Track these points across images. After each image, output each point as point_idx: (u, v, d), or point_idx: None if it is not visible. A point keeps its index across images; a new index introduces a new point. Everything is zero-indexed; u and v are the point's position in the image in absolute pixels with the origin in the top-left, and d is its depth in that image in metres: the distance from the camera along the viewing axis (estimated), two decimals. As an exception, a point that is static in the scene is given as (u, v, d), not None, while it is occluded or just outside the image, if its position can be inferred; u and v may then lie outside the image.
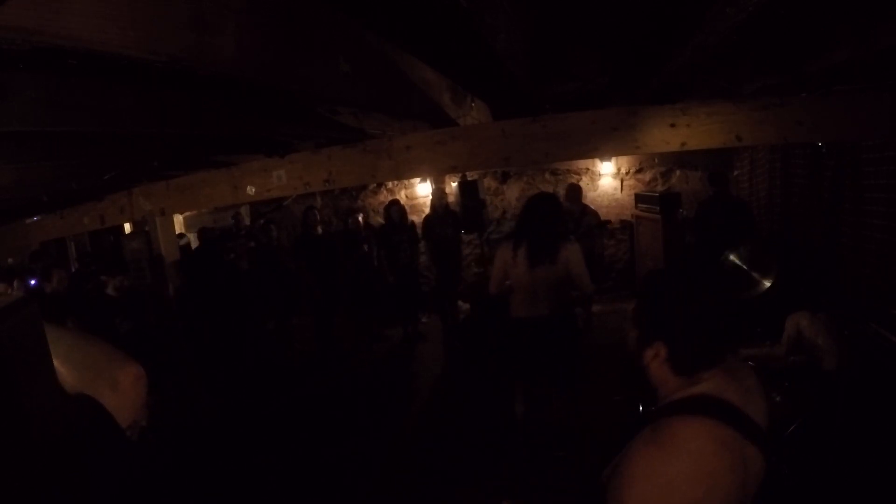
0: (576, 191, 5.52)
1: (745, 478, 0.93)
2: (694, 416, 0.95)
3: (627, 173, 6.63)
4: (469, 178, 5.19)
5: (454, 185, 6.45)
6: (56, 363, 0.80)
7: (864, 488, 2.13)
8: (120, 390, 0.84)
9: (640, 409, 2.73)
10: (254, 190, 3.64)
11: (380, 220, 6.40)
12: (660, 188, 6.46)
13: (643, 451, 0.95)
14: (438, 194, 5.92)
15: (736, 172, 5.99)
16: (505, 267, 3.05)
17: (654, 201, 5.82)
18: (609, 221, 5.64)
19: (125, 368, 0.88)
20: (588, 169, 6.68)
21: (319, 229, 5.68)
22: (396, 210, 5.69)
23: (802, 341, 2.56)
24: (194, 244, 6.27)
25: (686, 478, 0.89)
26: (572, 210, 5.20)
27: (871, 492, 2.11)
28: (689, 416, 0.96)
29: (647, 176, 6.60)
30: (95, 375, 0.84)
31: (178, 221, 6.95)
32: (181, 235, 6.00)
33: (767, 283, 3.27)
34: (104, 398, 0.80)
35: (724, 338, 1.04)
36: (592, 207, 5.78)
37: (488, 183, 6.82)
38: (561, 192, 6.42)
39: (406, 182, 6.96)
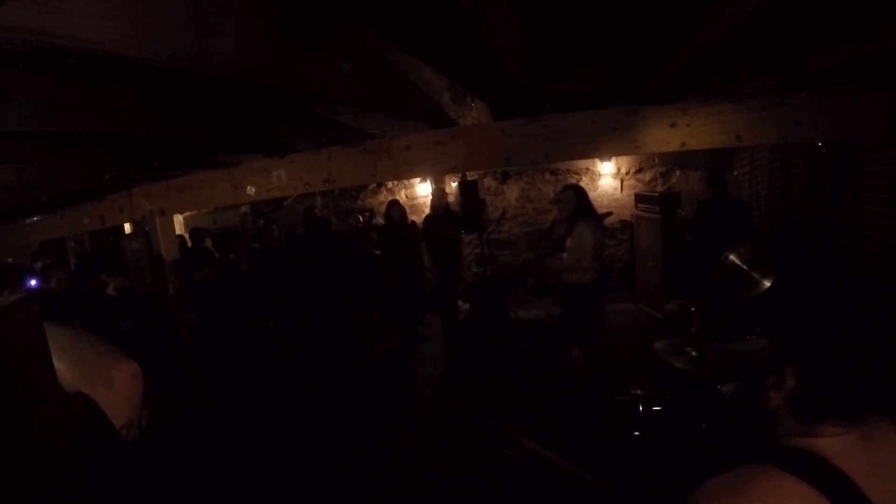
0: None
1: None
2: (790, 474, 0.79)
3: (627, 173, 6.63)
4: (469, 178, 5.19)
5: (454, 185, 6.44)
6: (54, 361, 0.80)
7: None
8: (115, 388, 0.84)
9: (640, 409, 2.74)
10: (254, 190, 3.64)
11: (380, 220, 6.40)
12: (660, 188, 6.46)
13: (716, 492, 0.82)
14: (438, 194, 5.92)
15: (736, 172, 5.99)
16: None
17: (654, 201, 5.82)
18: (610, 213, 5.59)
19: (120, 366, 0.87)
20: (588, 169, 6.68)
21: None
22: (397, 210, 5.69)
23: None
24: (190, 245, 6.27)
25: None
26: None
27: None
28: (784, 472, 0.80)
29: (647, 176, 6.60)
30: (91, 373, 0.83)
31: (178, 221, 6.95)
32: (180, 236, 6.00)
33: (767, 283, 3.26)
34: (99, 396, 0.80)
35: (869, 392, 0.81)
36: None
37: (488, 183, 6.82)
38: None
39: (406, 182, 6.96)
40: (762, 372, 0.87)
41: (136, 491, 0.79)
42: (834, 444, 0.81)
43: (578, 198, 3.82)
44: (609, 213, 5.46)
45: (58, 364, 0.80)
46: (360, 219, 5.87)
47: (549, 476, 3.10)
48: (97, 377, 0.83)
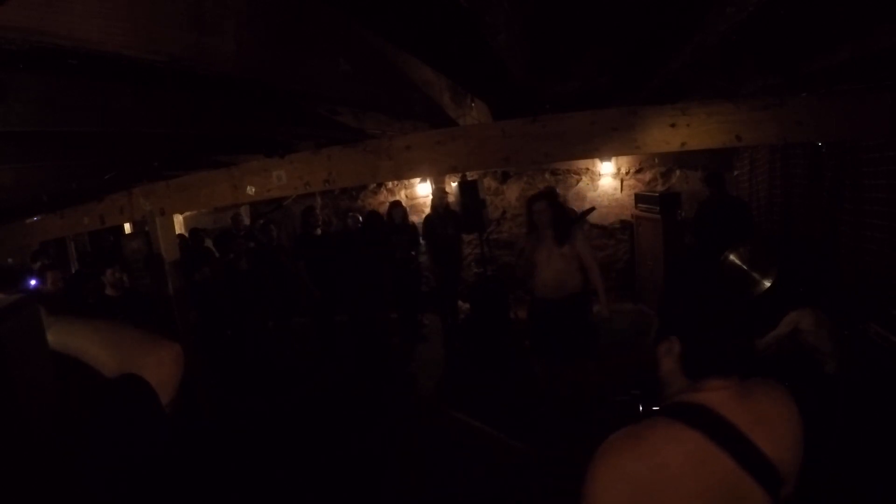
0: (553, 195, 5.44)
1: (718, 494, 0.90)
2: (679, 422, 0.94)
3: (627, 173, 6.63)
4: (469, 178, 5.19)
5: (454, 185, 6.45)
6: (94, 350, 0.84)
7: (864, 488, 2.13)
8: (165, 366, 0.87)
9: (640, 409, 2.74)
10: (254, 190, 3.64)
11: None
12: (660, 188, 6.46)
13: (618, 440, 0.95)
14: (438, 194, 5.92)
15: (736, 172, 5.99)
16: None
17: (654, 201, 5.82)
18: (593, 208, 5.49)
19: (169, 346, 0.91)
20: (588, 169, 6.68)
21: (319, 230, 5.67)
22: (398, 211, 5.69)
23: (800, 340, 2.55)
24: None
25: (645, 479, 0.89)
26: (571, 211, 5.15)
27: (871, 492, 2.11)
28: (675, 420, 0.95)
29: (647, 176, 6.60)
30: (141, 355, 0.86)
31: (178, 221, 6.95)
32: (180, 236, 6.01)
33: (767, 283, 3.26)
34: (150, 375, 0.83)
35: (738, 351, 0.99)
36: (573, 208, 5.72)
37: (488, 183, 6.82)
38: (562, 191, 6.43)
39: (406, 182, 6.96)
40: (654, 343, 1.06)
41: (174, 469, 0.83)
42: (718, 398, 0.96)
43: (553, 206, 3.71)
44: (592, 209, 5.43)
45: (103, 352, 0.84)
46: (360, 219, 5.87)
47: (541, 477, 3.10)
48: (147, 358, 0.86)
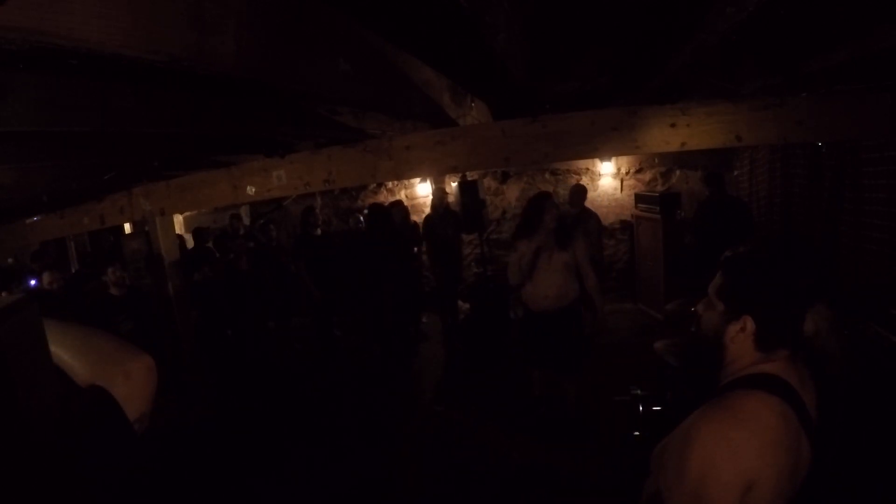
0: (579, 193, 5.31)
1: (797, 461, 0.99)
2: (764, 390, 1.00)
3: (627, 173, 6.63)
4: (469, 178, 5.18)
5: (454, 185, 6.45)
6: (67, 356, 0.82)
7: (864, 488, 2.13)
8: (132, 380, 0.85)
9: (640, 409, 2.73)
10: (254, 190, 3.64)
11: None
12: (660, 188, 6.46)
13: (711, 415, 0.99)
14: (438, 194, 5.92)
15: (736, 172, 6.00)
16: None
17: (654, 201, 5.82)
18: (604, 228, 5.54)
19: (138, 359, 0.89)
20: (588, 169, 6.68)
21: (319, 231, 5.67)
22: (399, 211, 5.68)
23: (816, 340, 2.54)
24: (190, 245, 6.27)
25: (752, 445, 0.93)
26: (569, 212, 5.11)
27: (871, 492, 2.11)
28: (759, 390, 1.00)
29: (647, 176, 6.60)
30: (109, 366, 0.85)
31: (178, 221, 6.95)
32: (179, 235, 6.00)
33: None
34: (116, 388, 0.81)
35: (803, 322, 1.07)
36: (592, 209, 5.72)
37: (488, 183, 6.82)
38: (562, 191, 6.42)
39: (406, 182, 6.96)
40: (722, 327, 1.09)
41: (147, 484, 0.80)
42: (779, 366, 1.04)
43: (558, 207, 3.50)
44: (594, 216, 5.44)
45: (75, 359, 0.82)
46: (361, 219, 5.87)
47: (535, 481, 3.09)
48: (115, 370, 0.84)
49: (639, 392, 2.82)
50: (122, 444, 0.79)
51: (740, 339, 1.06)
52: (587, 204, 5.46)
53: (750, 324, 1.04)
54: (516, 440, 3.55)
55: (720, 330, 1.09)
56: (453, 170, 3.77)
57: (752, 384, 1.02)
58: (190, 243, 6.33)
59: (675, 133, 3.06)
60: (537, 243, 3.41)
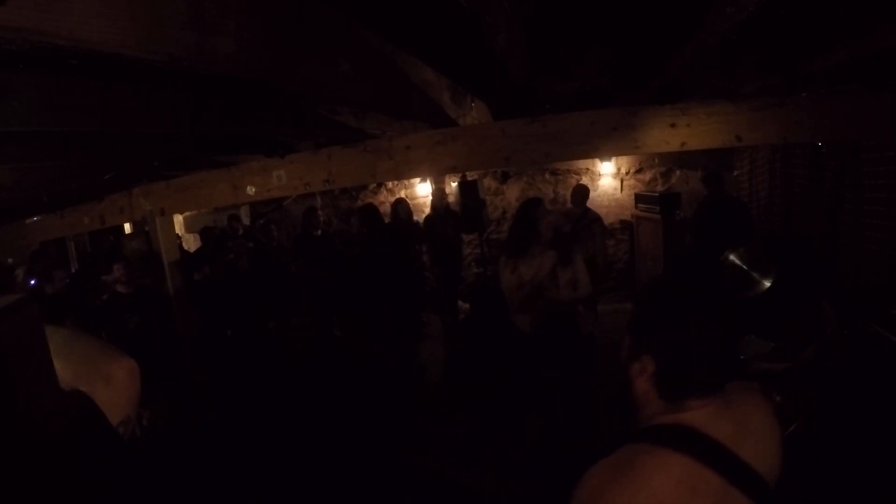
0: (582, 193, 5.20)
1: None
2: (665, 448, 0.85)
3: (627, 173, 6.63)
4: (469, 178, 5.18)
5: (454, 185, 6.45)
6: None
7: (864, 488, 2.13)
8: (113, 384, 0.84)
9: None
10: (254, 190, 3.64)
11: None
12: (660, 188, 6.46)
13: (598, 475, 0.87)
14: (438, 194, 5.92)
15: (736, 172, 5.99)
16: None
17: (654, 201, 5.82)
18: (598, 217, 5.48)
19: (119, 362, 0.87)
20: (588, 169, 6.68)
21: (319, 231, 5.67)
22: (403, 209, 5.68)
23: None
24: (189, 245, 6.26)
25: None
26: (573, 212, 5.08)
27: (871, 492, 2.11)
28: (660, 447, 0.86)
29: (647, 176, 6.60)
30: (90, 370, 0.84)
31: (178, 221, 6.95)
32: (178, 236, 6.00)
33: (767, 283, 3.26)
34: (97, 393, 0.80)
35: (722, 365, 0.90)
36: (594, 210, 5.69)
37: (488, 183, 6.82)
38: (562, 191, 6.41)
39: (406, 182, 6.96)
40: (627, 363, 0.95)
41: (135, 488, 0.79)
42: (700, 416, 0.87)
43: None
44: (598, 217, 5.41)
45: (57, 362, 0.80)
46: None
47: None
48: (96, 374, 0.83)
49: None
50: (105, 449, 0.78)
51: (643, 380, 0.91)
52: (588, 204, 5.45)
53: (650, 365, 0.90)
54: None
55: (626, 366, 0.95)
56: (453, 170, 3.77)
57: (656, 438, 0.87)
58: (190, 243, 6.33)
59: (675, 133, 3.06)
60: (538, 262, 2.91)
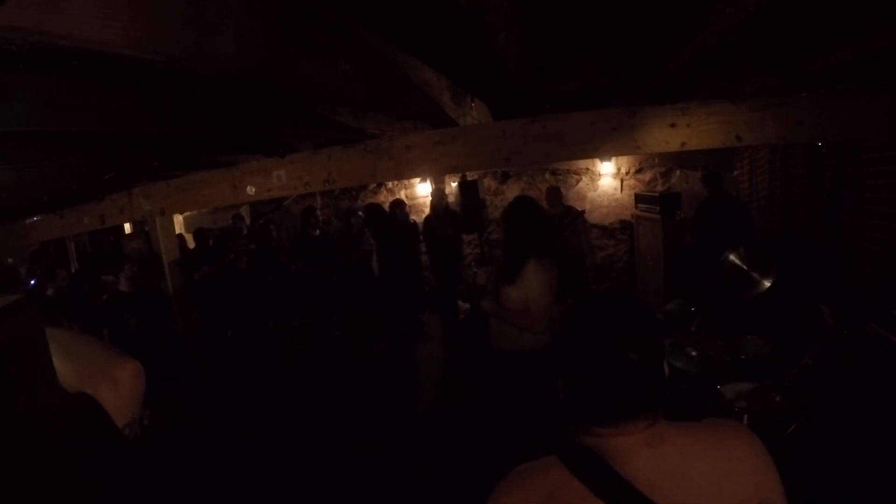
0: (555, 193, 5.34)
1: None
2: (566, 470, 0.83)
3: (627, 173, 6.63)
4: (469, 178, 5.18)
5: (454, 185, 6.45)
6: (54, 362, 0.80)
7: (864, 488, 2.13)
8: (119, 386, 0.84)
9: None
10: (254, 190, 3.65)
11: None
12: (660, 188, 6.46)
13: (512, 475, 0.89)
14: (438, 194, 5.92)
15: (736, 172, 5.99)
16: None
17: (654, 201, 5.81)
18: (583, 211, 5.51)
19: (125, 364, 0.87)
20: (588, 169, 6.68)
21: (318, 231, 5.67)
22: (401, 210, 5.69)
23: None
24: (191, 244, 6.26)
25: None
26: (553, 213, 5.04)
27: (871, 491, 2.11)
28: (563, 466, 0.84)
29: (647, 176, 6.60)
30: (95, 372, 0.84)
31: (178, 221, 6.95)
32: (179, 235, 6.00)
33: (767, 283, 3.27)
34: (102, 395, 0.80)
35: (623, 398, 0.83)
36: (577, 207, 5.70)
37: (488, 183, 6.82)
38: (563, 191, 6.42)
39: (406, 182, 6.97)
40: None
41: (137, 489, 0.80)
42: (615, 445, 0.83)
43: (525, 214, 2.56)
44: (582, 211, 5.43)
45: (60, 365, 0.80)
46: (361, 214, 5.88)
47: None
48: (102, 376, 0.83)
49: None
50: (111, 451, 0.78)
51: (560, 402, 0.90)
52: (587, 204, 5.46)
53: (560, 391, 0.89)
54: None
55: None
56: (453, 170, 3.77)
57: (564, 456, 0.85)
58: (191, 243, 6.33)
59: (675, 133, 3.06)
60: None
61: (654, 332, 0.87)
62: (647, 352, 0.83)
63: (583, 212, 5.45)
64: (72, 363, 0.83)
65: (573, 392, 0.86)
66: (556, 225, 4.72)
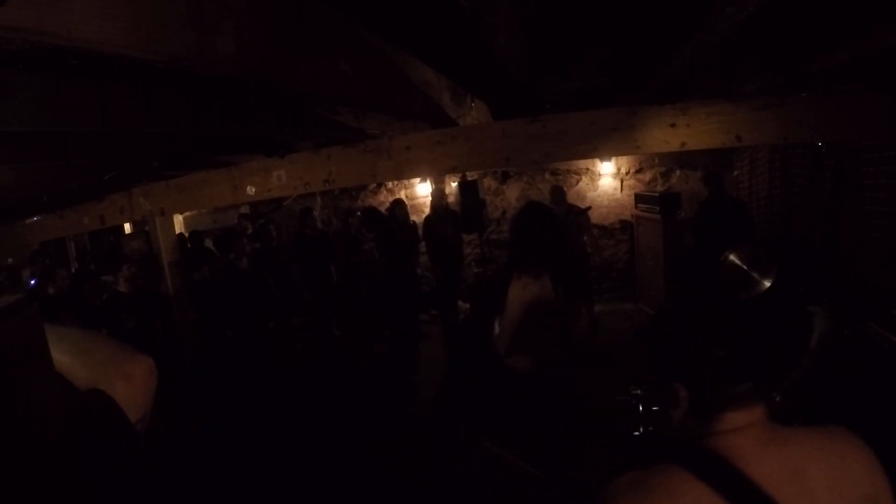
0: (559, 192, 5.51)
1: None
2: (689, 473, 0.82)
3: (627, 173, 6.63)
4: (469, 178, 5.19)
5: (454, 185, 6.44)
6: (66, 360, 0.80)
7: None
8: (133, 382, 0.85)
9: (640, 409, 2.73)
10: (254, 190, 3.65)
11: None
12: (660, 188, 6.46)
13: (622, 491, 0.87)
14: (438, 194, 5.92)
15: (736, 172, 5.99)
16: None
17: (654, 201, 5.82)
18: (589, 207, 5.61)
19: (138, 360, 0.88)
20: (588, 169, 6.68)
21: (315, 231, 5.67)
22: (401, 209, 5.68)
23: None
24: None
25: None
26: (558, 212, 5.13)
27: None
28: (684, 470, 0.83)
29: (647, 176, 6.60)
30: (109, 369, 0.84)
31: (178, 221, 6.94)
32: (179, 234, 5.99)
33: (767, 283, 3.26)
34: (117, 391, 0.80)
35: (750, 369, 0.87)
36: (578, 205, 5.75)
37: (488, 183, 6.82)
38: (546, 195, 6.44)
39: (406, 182, 6.96)
40: (659, 398, 0.94)
41: (148, 487, 0.80)
42: (738, 444, 0.83)
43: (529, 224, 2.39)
44: (588, 208, 5.47)
45: (74, 362, 0.81)
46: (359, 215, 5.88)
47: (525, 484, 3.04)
48: (116, 372, 0.83)
49: (639, 392, 2.82)
50: (125, 447, 0.78)
51: (678, 410, 0.91)
52: (587, 204, 5.48)
53: (682, 390, 0.89)
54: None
55: (657, 401, 0.96)
56: (453, 170, 3.77)
57: (684, 460, 0.86)
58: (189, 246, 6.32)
59: (675, 133, 3.06)
60: (522, 280, 2.45)
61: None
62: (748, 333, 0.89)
63: (588, 208, 5.48)
64: (84, 360, 0.83)
65: (702, 385, 0.88)
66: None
